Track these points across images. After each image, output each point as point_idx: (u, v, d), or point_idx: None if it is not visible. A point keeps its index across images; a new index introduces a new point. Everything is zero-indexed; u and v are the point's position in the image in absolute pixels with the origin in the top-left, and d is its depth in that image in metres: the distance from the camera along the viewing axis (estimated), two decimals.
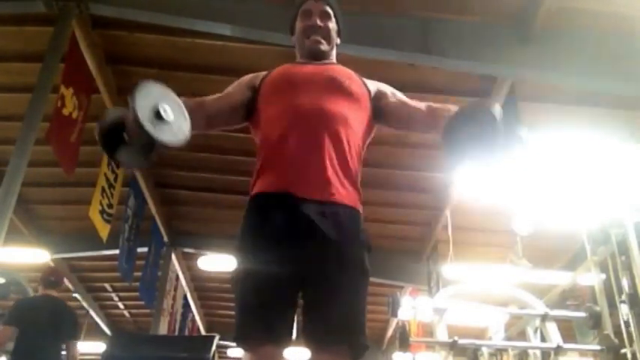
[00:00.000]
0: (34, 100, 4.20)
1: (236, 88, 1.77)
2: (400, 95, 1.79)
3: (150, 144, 1.36)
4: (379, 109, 1.74)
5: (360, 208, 1.59)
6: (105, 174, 5.70)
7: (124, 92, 5.63)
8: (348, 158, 1.58)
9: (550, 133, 4.99)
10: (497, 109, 1.35)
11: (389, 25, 4.31)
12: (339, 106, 1.62)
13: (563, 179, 5.41)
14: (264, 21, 4.23)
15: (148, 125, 1.30)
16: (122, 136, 1.38)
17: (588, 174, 5.19)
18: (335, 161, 1.55)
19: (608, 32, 4.22)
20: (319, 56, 1.82)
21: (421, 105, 1.67)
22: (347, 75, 1.74)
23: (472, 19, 4.37)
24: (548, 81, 4.56)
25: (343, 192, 1.54)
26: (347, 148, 1.58)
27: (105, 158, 5.66)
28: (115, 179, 5.94)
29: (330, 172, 1.53)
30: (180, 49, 5.05)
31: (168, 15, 4.46)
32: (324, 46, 1.82)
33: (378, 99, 1.75)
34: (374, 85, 1.78)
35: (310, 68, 1.77)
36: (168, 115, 1.33)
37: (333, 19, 1.87)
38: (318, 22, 1.83)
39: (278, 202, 1.50)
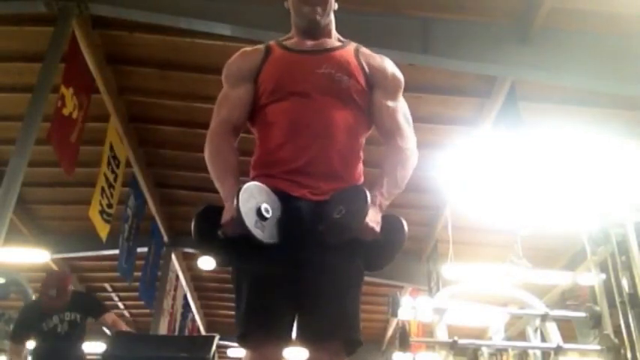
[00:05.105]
0: (34, 100, 4.20)
1: (239, 85, 1.70)
2: (391, 102, 1.71)
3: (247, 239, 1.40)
4: (371, 104, 1.68)
5: None
6: (105, 174, 5.69)
7: (124, 92, 5.64)
8: (348, 156, 1.59)
9: (550, 133, 4.99)
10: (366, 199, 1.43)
11: (389, 25, 4.31)
12: (338, 110, 1.61)
13: (564, 179, 5.41)
14: (264, 21, 4.23)
15: (258, 232, 1.38)
16: (214, 232, 1.45)
17: (588, 174, 5.19)
18: (333, 160, 1.56)
19: (607, 32, 4.22)
20: (316, 27, 1.74)
21: (394, 127, 1.66)
22: (345, 68, 1.67)
23: (472, 19, 4.37)
24: (548, 81, 4.56)
25: (342, 188, 1.54)
26: (346, 147, 1.59)
27: (105, 158, 5.66)
28: (115, 179, 5.94)
29: (329, 172, 1.55)
30: (180, 49, 5.05)
31: (169, 15, 4.46)
32: (321, 17, 1.73)
33: (373, 88, 1.68)
34: (374, 71, 1.70)
35: (308, 60, 1.69)
36: (269, 212, 1.41)
37: None
38: None
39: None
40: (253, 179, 1.58)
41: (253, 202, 1.40)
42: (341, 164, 1.57)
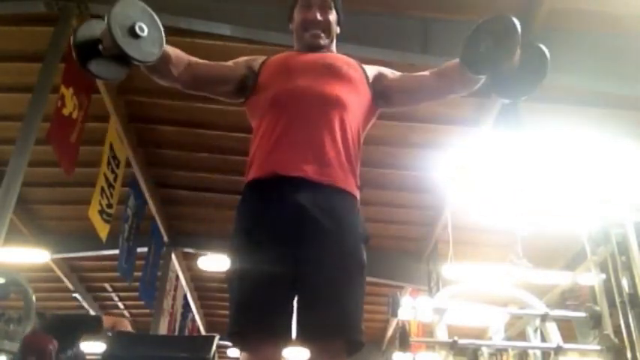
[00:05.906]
0: (34, 100, 4.20)
1: (232, 62, 1.77)
2: (400, 73, 1.77)
3: (122, 57, 1.39)
4: (382, 92, 1.72)
5: (357, 194, 1.57)
6: (105, 174, 5.69)
7: (124, 92, 5.63)
8: (347, 141, 1.57)
9: (550, 133, 4.99)
10: (513, 20, 1.40)
11: (389, 25, 4.30)
12: (336, 90, 1.61)
13: (563, 179, 5.41)
14: (264, 21, 4.22)
15: (120, 38, 1.33)
16: (98, 49, 1.42)
17: (588, 174, 5.19)
18: (333, 143, 1.54)
19: (607, 32, 4.22)
20: (318, 50, 1.79)
21: (425, 72, 1.68)
22: (344, 61, 1.72)
23: (472, 19, 4.35)
24: (548, 81, 4.54)
25: (341, 175, 1.52)
26: (345, 132, 1.57)
27: (105, 158, 5.66)
28: (115, 179, 5.93)
29: (327, 152, 1.52)
30: (180, 49, 5.04)
31: (168, 15, 4.44)
32: (324, 41, 1.78)
33: (378, 81, 1.72)
34: (372, 70, 1.75)
35: (308, 56, 1.74)
36: (143, 32, 1.36)
37: (333, 10, 1.81)
38: (318, 15, 1.77)
39: (272, 193, 1.48)
40: (252, 161, 1.57)
41: (128, 19, 1.35)
42: (344, 148, 1.55)
